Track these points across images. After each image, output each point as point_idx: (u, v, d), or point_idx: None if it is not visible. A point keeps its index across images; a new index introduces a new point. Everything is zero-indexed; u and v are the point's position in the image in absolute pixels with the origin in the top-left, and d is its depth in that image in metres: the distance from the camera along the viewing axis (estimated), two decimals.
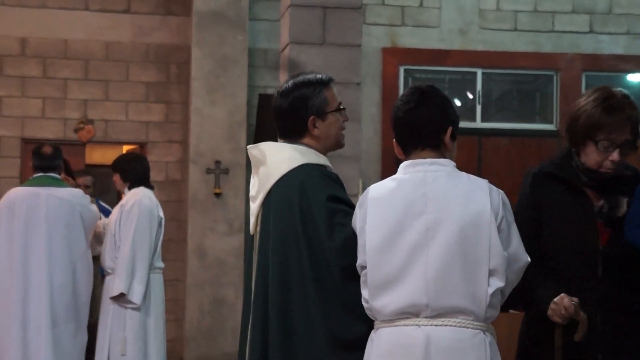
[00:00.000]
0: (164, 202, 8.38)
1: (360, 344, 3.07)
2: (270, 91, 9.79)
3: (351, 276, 3.10)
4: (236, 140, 9.78)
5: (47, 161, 6.62)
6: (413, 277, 2.93)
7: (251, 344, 3.28)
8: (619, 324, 3.47)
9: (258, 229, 3.36)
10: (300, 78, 3.40)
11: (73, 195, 6.59)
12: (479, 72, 10.71)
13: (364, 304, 3.04)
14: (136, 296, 6.47)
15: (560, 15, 10.74)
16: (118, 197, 8.43)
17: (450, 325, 2.92)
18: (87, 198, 6.77)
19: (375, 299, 2.98)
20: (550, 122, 10.80)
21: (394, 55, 10.51)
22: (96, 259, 6.84)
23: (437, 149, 3.07)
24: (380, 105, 10.39)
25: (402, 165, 3.10)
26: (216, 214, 9.73)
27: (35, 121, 10.05)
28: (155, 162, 9.69)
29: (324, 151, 3.39)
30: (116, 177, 6.83)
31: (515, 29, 10.69)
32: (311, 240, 3.17)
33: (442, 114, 3.09)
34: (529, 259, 3.09)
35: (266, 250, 3.28)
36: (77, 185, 7.33)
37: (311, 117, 3.35)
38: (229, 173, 9.78)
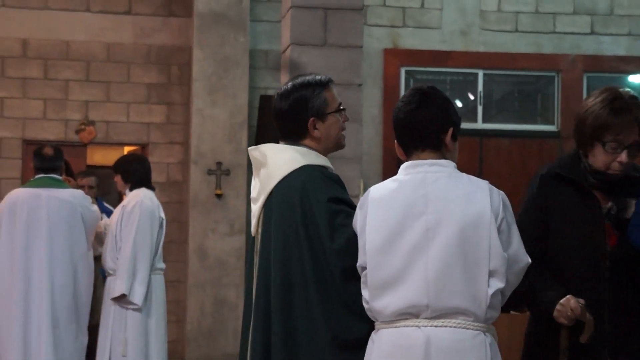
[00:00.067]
0: (165, 203, 8.39)
1: (361, 344, 3.07)
2: (271, 92, 9.79)
3: (352, 277, 3.10)
4: (237, 141, 9.79)
5: (48, 162, 6.62)
6: (413, 278, 2.94)
7: (252, 345, 3.28)
8: (627, 326, 3.46)
9: (259, 230, 3.36)
10: (300, 80, 3.40)
11: (74, 197, 6.59)
12: (480, 73, 10.71)
13: (364, 304, 3.04)
14: (137, 297, 6.47)
15: (562, 16, 10.74)
16: (119, 198, 8.43)
17: (450, 326, 2.92)
18: (88, 199, 6.77)
19: (376, 299, 2.98)
20: (552, 123, 10.80)
21: (395, 56, 10.51)
22: (97, 259, 6.84)
23: (438, 149, 3.07)
24: (382, 106, 10.39)
25: (402, 166, 3.10)
26: (217, 214, 9.73)
27: (37, 122, 10.05)
28: (156, 163, 9.69)
29: (324, 152, 3.40)
30: (117, 178, 6.83)
31: (517, 30, 10.70)
32: (313, 242, 3.17)
33: (443, 115, 3.09)
34: (530, 260, 3.08)
35: (267, 251, 3.28)
36: (77, 186, 7.34)
37: (311, 119, 3.35)
38: (230, 174, 9.78)
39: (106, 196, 9.38)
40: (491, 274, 2.93)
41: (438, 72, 10.70)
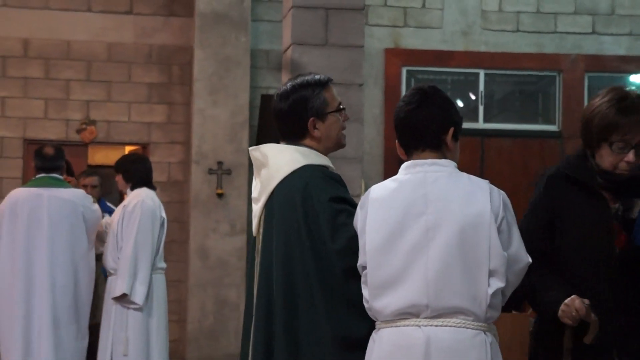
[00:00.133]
0: (166, 202, 8.38)
1: (364, 343, 3.08)
2: (272, 92, 9.78)
3: (354, 276, 3.11)
4: (238, 141, 9.79)
5: (49, 162, 6.62)
6: (413, 278, 2.94)
7: (254, 345, 3.29)
8: (635, 327, 3.44)
9: (260, 230, 3.36)
10: (299, 80, 3.40)
11: (75, 196, 6.59)
12: (482, 73, 10.71)
13: (364, 304, 3.05)
14: (138, 297, 6.47)
15: (563, 16, 10.74)
16: (120, 197, 8.43)
17: (450, 326, 2.92)
18: (89, 198, 6.77)
19: (376, 299, 2.99)
20: (553, 123, 10.80)
21: (397, 56, 10.51)
22: (99, 258, 6.84)
23: (438, 149, 3.08)
24: (383, 106, 10.39)
25: (402, 166, 3.11)
26: (218, 214, 9.73)
27: (38, 122, 10.06)
28: (157, 163, 9.70)
29: (325, 152, 3.40)
30: (119, 178, 6.83)
31: (518, 30, 10.70)
32: (314, 242, 3.17)
33: (444, 115, 3.09)
34: (530, 260, 3.08)
35: (269, 251, 3.28)
36: (78, 186, 7.34)
37: (311, 119, 3.35)
38: (232, 174, 9.78)
39: (107, 196, 9.38)
40: (491, 274, 2.93)
41: (439, 72, 10.70)
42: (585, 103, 10.58)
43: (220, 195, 9.76)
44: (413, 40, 10.54)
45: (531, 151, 10.59)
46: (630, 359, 3.45)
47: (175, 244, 9.91)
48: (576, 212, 3.48)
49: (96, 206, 6.81)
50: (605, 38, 10.76)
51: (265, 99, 9.78)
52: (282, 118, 3.39)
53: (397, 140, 3.15)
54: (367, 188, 3.20)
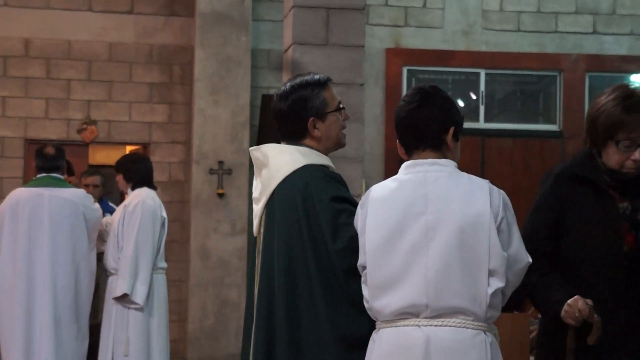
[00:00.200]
0: (167, 202, 8.39)
1: (366, 342, 3.08)
2: (273, 92, 9.78)
3: (356, 275, 3.11)
4: (239, 140, 9.79)
5: (50, 162, 6.62)
6: (413, 278, 2.94)
7: (255, 345, 3.28)
8: (638, 326, 3.43)
9: (261, 230, 3.36)
10: (298, 80, 3.40)
11: (76, 196, 6.59)
12: (483, 73, 10.71)
13: (365, 304, 3.05)
14: (139, 297, 6.47)
15: (564, 15, 10.74)
16: (121, 197, 8.43)
17: (450, 326, 2.92)
18: (90, 198, 6.77)
19: (376, 299, 2.99)
20: (554, 123, 10.80)
21: (398, 56, 10.51)
22: (100, 258, 6.84)
23: (439, 149, 3.07)
24: (384, 106, 10.40)
25: (403, 166, 3.10)
26: (219, 214, 9.74)
27: (39, 122, 10.06)
28: (158, 163, 9.70)
29: (325, 151, 3.40)
30: (119, 178, 6.83)
31: (519, 30, 10.69)
32: (316, 242, 3.17)
33: (444, 115, 3.08)
34: (530, 260, 3.07)
35: (270, 252, 3.28)
36: (80, 185, 7.33)
37: (311, 119, 3.35)
38: (232, 173, 9.78)
39: (108, 195, 9.39)
40: (491, 274, 2.93)
41: (440, 71, 10.70)
42: (586, 103, 10.58)
43: (221, 195, 9.76)
44: (414, 39, 10.54)
45: (532, 151, 10.59)
46: (631, 359, 3.44)
47: (176, 244, 9.91)
48: (584, 211, 3.46)
49: (97, 205, 6.81)
50: (606, 38, 10.76)
51: (266, 98, 9.78)
52: (282, 118, 3.39)
53: (397, 140, 3.16)
54: (367, 188, 3.20)
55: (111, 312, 6.56)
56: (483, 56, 10.63)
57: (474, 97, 10.75)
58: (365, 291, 3.03)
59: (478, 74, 10.71)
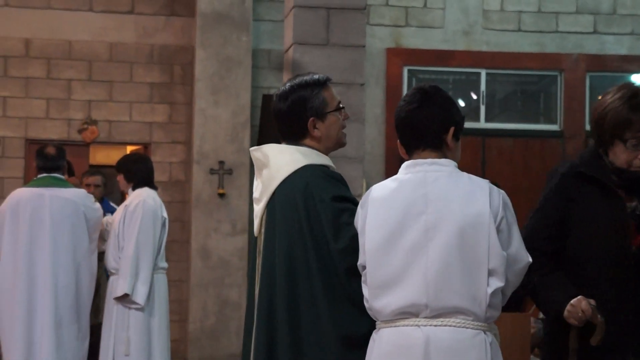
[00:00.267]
0: (167, 202, 8.39)
1: (367, 342, 3.08)
2: (273, 92, 9.78)
3: (358, 275, 3.11)
4: (240, 140, 9.79)
5: (50, 162, 6.62)
6: (413, 278, 2.94)
7: (256, 345, 3.28)
8: None
9: (262, 230, 3.36)
10: (298, 80, 3.41)
11: (77, 196, 6.60)
12: (483, 73, 10.71)
13: (365, 303, 3.05)
14: (140, 297, 6.47)
15: (564, 15, 10.74)
16: (122, 197, 8.44)
17: (450, 326, 2.92)
18: (91, 198, 6.77)
19: (376, 299, 2.99)
20: (555, 123, 10.80)
21: (398, 56, 10.51)
22: (101, 258, 6.84)
23: (439, 149, 3.07)
24: (384, 106, 10.40)
25: (403, 166, 3.11)
26: (220, 214, 9.74)
27: (39, 122, 10.06)
28: (159, 163, 9.71)
29: (325, 151, 3.40)
30: (120, 178, 6.83)
31: (519, 30, 10.69)
32: (317, 241, 3.17)
33: (444, 115, 3.08)
34: (530, 259, 3.06)
35: (270, 252, 3.28)
36: (81, 185, 7.33)
37: (311, 119, 3.35)
38: (233, 173, 9.79)
39: (109, 195, 9.39)
40: (490, 273, 2.92)
41: (441, 71, 10.70)
42: (587, 103, 10.59)
43: (221, 195, 9.76)
44: (414, 39, 10.54)
45: (532, 151, 10.59)
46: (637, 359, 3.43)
47: (176, 244, 9.91)
48: (590, 210, 3.44)
49: (98, 205, 6.81)
50: (607, 38, 10.76)
51: (267, 98, 9.78)
52: (282, 119, 3.40)
53: (398, 140, 3.16)
54: (368, 188, 3.20)
55: (112, 312, 6.56)
56: (484, 56, 10.63)
57: (474, 97, 10.75)
58: (365, 291, 3.03)
59: (479, 74, 10.71)
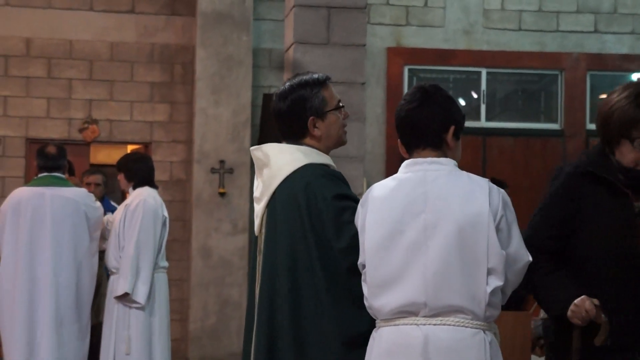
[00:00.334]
0: (168, 202, 8.39)
1: (368, 340, 3.08)
2: (274, 91, 9.79)
3: (359, 273, 3.11)
4: (240, 140, 9.79)
5: (51, 161, 6.62)
6: (412, 276, 2.93)
7: (256, 345, 3.29)
8: None
9: (263, 230, 3.36)
10: (297, 80, 3.41)
11: (78, 195, 6.60)
12: (484, 72, 10.71)
13: (365, 302, 3.05)
14: (140, 296, 6.47)
15: (565, 15, 10.74)
16: (123, 196, 8.44)
17: (449, 325, 2.92)
18: (92, 197, 6.77)
19: (375, 297, 2.99)
20: (555, 122, 10.80)
21: (399, 55, 10.51)
22: (102, 257, 6.84)
23: (439, 148, 3.07)
24: (385, 105, 10.40)
25: (403, 164, 3.11)
26: (220, 213, 9.74)
27: (40, 121, 10.07)
28: (159, 162, 9.71)
29: (326, 150, 3.40)
30: (121, 177, 6.83)
31: (520, 29, 10.69)
32: (319, 240, 3.18)
33: (444, 114, 3.08)
34: (530, 258, 3.06)
35: (271, 251, 3.28)
36: (81, 184, 7.33)
37: (311, 118, 3.35)
38: (234, 173, 9.79)
39: (110, 195, 9.40)
40: (490, 272, 2.92)
41: (441, 70, 10.71)
42: (588, 102, 10.59)
43: (222, 195, 9.76)
44: (415, 39, 10.54)
45: (533, 150, 10.59)
46: None
47: (177, 243, 9.91)
48: (597, 209, 3.42)
49: (98, 204, 6.81)
50: (608, 37, 10.76)
51: (267, 98, 9.78)
52: (282, 118, 3.40)
53: (399, 139, 3.16)
54: (369, 187, 3.20)
55: (112, 311, 6.56)
56: (484, 55, 10.63)
57: (475, 96, 10.75)
58: (364, 289, 3.04)
59: (479, 73, 10.71)
